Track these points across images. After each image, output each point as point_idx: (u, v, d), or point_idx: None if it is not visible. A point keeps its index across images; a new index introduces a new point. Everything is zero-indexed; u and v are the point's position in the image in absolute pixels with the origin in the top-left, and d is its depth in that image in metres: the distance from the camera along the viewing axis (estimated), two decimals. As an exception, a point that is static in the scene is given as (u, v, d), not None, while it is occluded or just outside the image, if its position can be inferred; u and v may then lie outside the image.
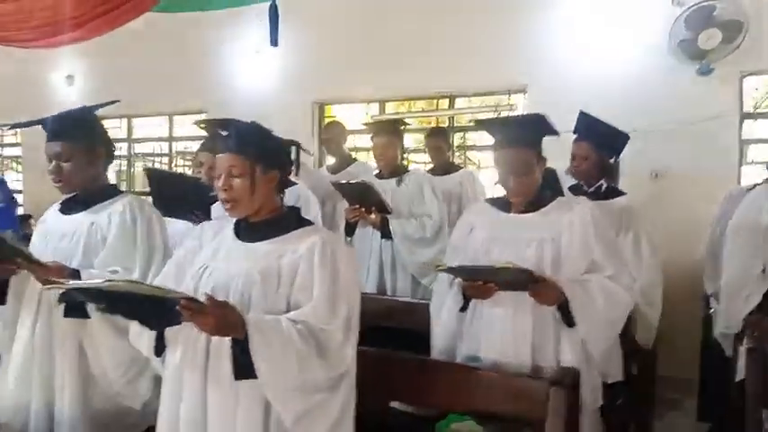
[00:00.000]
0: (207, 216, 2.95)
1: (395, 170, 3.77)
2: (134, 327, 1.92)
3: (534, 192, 2.36)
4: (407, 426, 2.58)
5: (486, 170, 6.00)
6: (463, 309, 2.39)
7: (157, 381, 2.20)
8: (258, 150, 1.86)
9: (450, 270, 2.27)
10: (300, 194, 3.73)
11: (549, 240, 2.30)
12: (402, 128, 4.04)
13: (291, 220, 1.94)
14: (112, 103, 2.48)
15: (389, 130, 3.79)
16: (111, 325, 2.24)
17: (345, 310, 1.80)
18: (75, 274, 2.19)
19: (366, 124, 4.87)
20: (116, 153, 2.49)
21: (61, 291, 2.09)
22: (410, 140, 6.75)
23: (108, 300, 1.67)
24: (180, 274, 1.97)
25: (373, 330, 2.16)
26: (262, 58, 6.19)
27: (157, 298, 1.60)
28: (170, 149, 7.69)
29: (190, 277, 1.92)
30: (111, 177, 2.94)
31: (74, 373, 2.27)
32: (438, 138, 4.77)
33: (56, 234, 2.40)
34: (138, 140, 7.99)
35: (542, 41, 5.16)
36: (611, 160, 3.32)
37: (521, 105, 5.54)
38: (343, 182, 3.65)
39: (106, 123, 8.56)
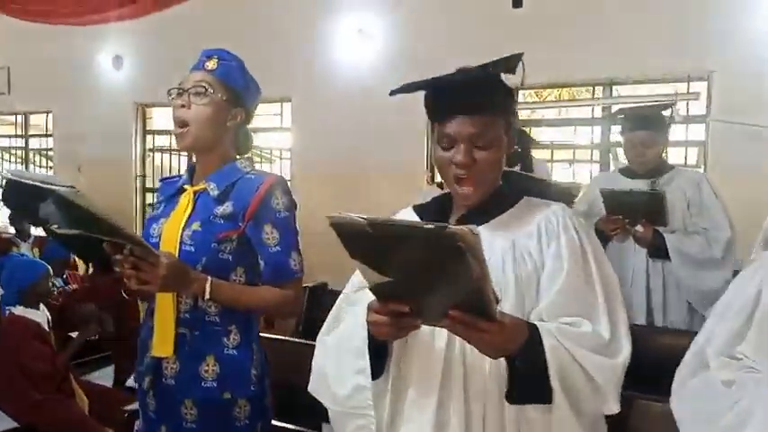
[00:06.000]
0: None
1: (654, 169, 3.06)
2: None
3: None
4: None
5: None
6: None
7: None
8: None
9: None
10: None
11: None
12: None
13: None
14: (519, 56, 1.34)
15: (655, 123, 3.01)
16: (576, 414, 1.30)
17: None
18: (536, 335, 1.27)
19: (612, 113, 3.84)
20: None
21: None
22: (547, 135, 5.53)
23: None
24: None
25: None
26: (364, 38, 5.13)
27: None
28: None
29: None
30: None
31: None
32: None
33: None
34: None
35: (732, 19, 4.05)
36: None
37: (703, 94, 4.33)
38: (626, 190, 2.98)
39: (158, 111, 7.45)
